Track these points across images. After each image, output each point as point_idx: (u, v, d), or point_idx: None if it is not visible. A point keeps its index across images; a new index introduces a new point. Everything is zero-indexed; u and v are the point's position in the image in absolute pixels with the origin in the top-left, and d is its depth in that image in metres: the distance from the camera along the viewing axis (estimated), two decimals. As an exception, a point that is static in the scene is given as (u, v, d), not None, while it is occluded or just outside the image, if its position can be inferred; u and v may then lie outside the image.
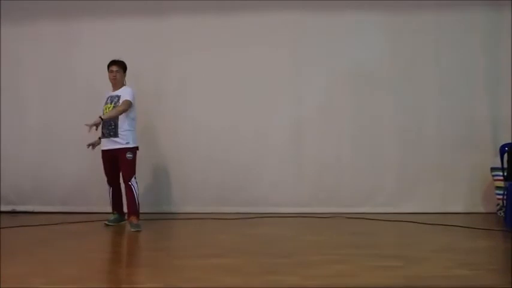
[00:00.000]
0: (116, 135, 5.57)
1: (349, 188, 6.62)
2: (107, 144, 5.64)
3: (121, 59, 5.76)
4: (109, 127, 5.58)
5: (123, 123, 5.59)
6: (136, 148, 5.69)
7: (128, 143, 5.59)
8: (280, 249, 4.52)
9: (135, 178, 5.58)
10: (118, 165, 5.64)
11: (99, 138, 5.75)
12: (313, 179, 6.68)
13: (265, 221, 6.07)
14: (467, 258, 4.09)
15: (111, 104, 5.63)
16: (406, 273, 3.61)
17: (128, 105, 5.57)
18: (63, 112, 6.85)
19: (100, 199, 6.18)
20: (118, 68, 5.72)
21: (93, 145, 5.75)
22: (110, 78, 5.73)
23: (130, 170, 5.58)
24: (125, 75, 5.79)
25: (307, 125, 6.73)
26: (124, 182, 5.62)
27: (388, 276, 3.53)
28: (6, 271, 3.76)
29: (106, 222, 5.78)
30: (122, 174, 5.63)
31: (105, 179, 5.76)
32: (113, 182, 5.75)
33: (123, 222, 5.81)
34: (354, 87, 6.69)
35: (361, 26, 6.67)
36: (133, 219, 5.53)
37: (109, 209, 5.85)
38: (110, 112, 5.54)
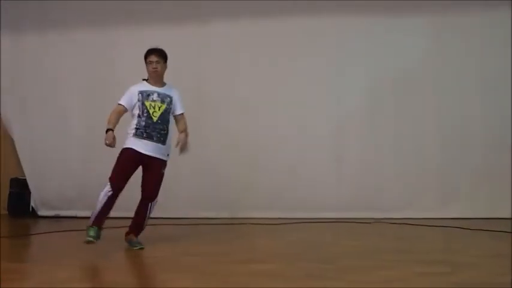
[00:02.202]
0: (164, 142, 4.71)
1: (390, 192, 6.51)
2: (148, 149, 4.65)
3: (160, 47, 4.81)
4: (161, 131, 4.70)
5: (171, 131, 4.76)
6: None
7: (168, 155, 4.80)
8: (324, 254, 4.47)
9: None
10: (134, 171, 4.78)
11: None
12: (354, 182, 6.59)
13: (306, 226, 6.01)
14: (517, 264, 3.95)
15: (162, 103, 4.72)
16: (455, 279, 3.50)
17: None
18: (104, 119, 6.88)
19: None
20: (158, 57, 4.73)
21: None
22: (149, 71, 4.75)
23: (159, 186, 4.79)
24: (165, 67, 4.84)
25: (348, 127, 6.66)
26: (147, 198, 4.79)
27: (438, 282, 3.45)
28: (52, 275, 3.80)
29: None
30: (150, 189, 4.76)
31: (117, 180, 4.71)
32: (121, 188, 4.70)
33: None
34: (395, 88, 6.59)
35: (402, 27, 6.57)
36: (133, 237, 4.85)
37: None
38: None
